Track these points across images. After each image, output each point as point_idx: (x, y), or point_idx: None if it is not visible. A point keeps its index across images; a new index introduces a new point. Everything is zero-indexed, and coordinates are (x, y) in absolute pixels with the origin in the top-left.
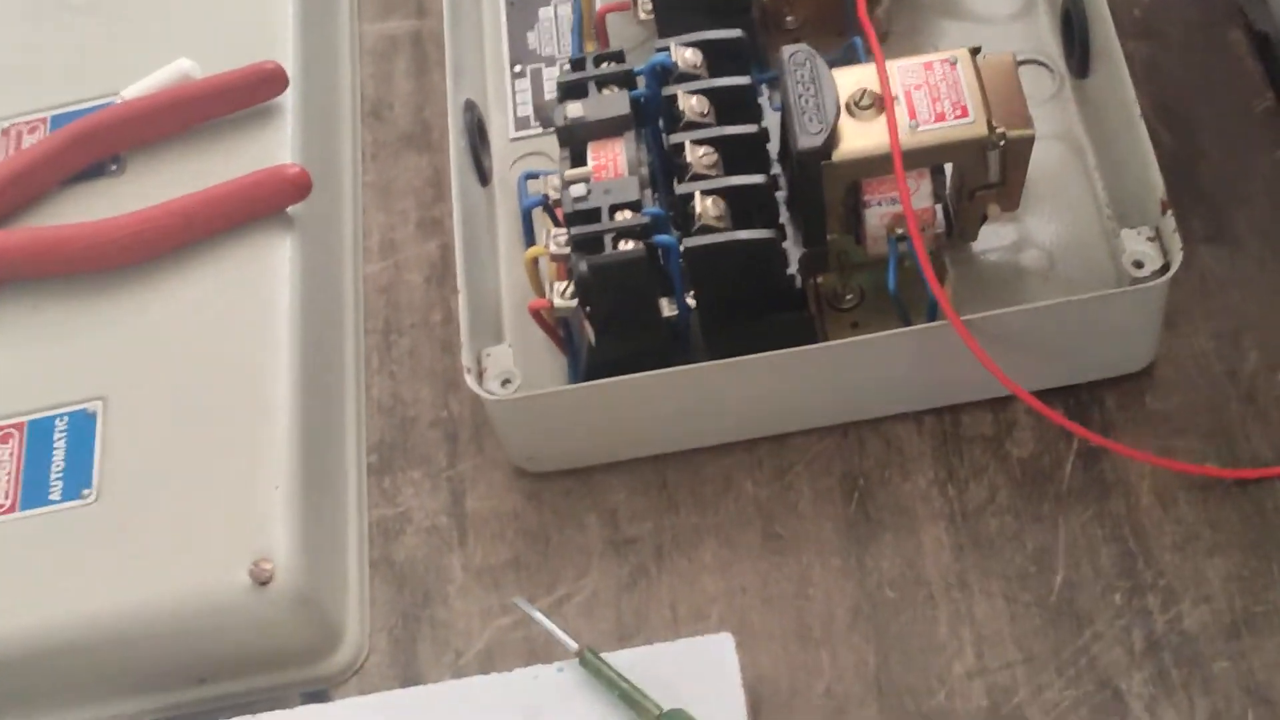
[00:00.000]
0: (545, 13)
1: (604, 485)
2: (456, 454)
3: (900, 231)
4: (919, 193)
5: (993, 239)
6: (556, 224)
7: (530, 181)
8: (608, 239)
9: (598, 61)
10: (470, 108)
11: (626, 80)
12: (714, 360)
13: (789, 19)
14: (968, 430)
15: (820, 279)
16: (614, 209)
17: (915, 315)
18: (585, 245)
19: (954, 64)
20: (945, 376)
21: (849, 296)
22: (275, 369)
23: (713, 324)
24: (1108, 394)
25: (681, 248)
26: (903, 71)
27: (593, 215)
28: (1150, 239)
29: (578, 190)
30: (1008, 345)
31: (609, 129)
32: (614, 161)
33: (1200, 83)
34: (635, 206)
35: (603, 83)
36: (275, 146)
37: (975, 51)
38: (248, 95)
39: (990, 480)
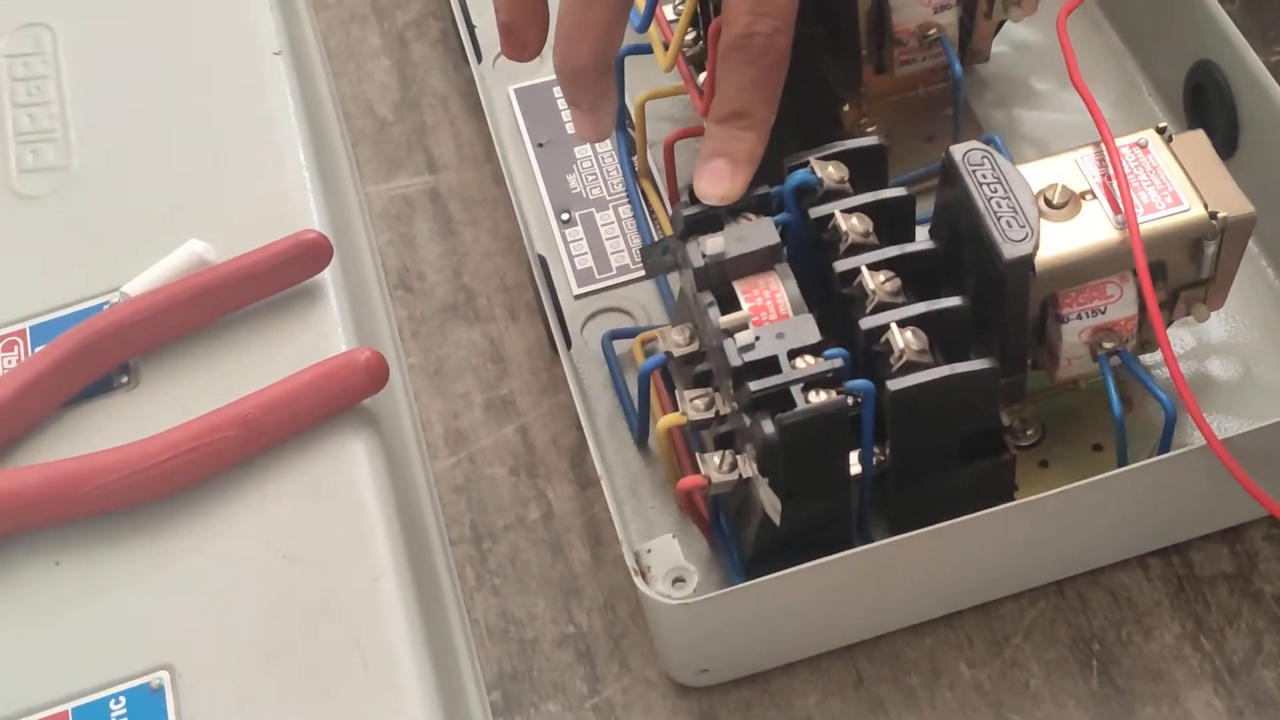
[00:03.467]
0: (582, 152)
1: (789, 691)
2: (597, 676)
3: (1110, 346)
4: (1123, 299)
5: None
6: (672, 389)
7: (615, 343)
8: (795, 391)
9: None
10: (543, 263)
11: (763, 205)
12: (903, 521)
13: (869, 129)
14: (1203, 569)
15: None
16: (792, 354)
17: (1105, 441)
18: (768, 402)
19: (1145, 146)
20: (1172, 511)
21: (1029, 431)
22: (380, 607)
23: (906, 478)
24: None
25: (887, 392)
26: (1083, 162)
27: (769, 366)
28: None
29: (744, 338)
30: (1259, 464)
31: (757, 263)
32: (772, 300)
33: None
34: (817, 350)
35: (734, 211)
36: (325, 332)
37: (1162, 131)
38: (285, 275)
39: (1250, 625)
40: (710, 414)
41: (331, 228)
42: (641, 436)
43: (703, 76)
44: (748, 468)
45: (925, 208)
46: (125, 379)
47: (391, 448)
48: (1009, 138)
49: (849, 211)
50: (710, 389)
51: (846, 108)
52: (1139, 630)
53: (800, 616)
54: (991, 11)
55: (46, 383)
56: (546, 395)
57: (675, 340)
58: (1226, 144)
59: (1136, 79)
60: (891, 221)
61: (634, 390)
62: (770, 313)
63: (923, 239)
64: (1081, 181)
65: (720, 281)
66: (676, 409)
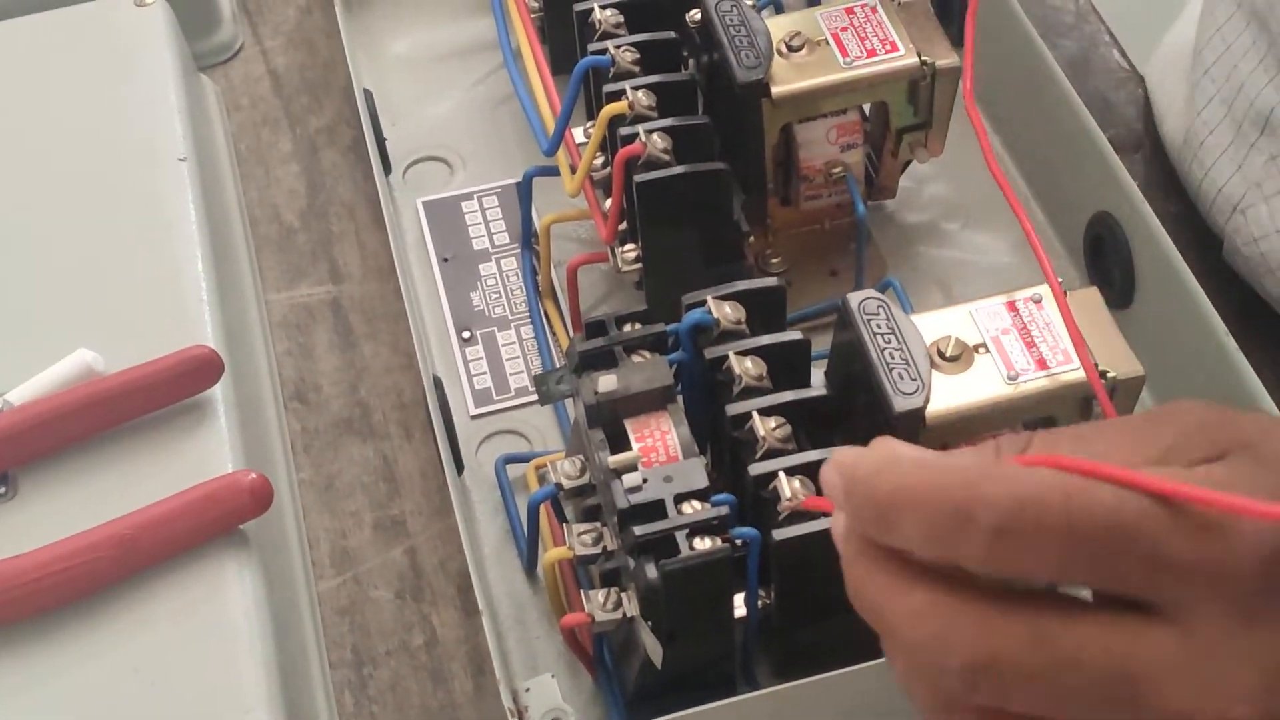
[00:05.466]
0: (487, 268)
1: None
2: None
3: None
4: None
5: None
6: (563, 519)
7: (509, 466)
8: (680, 538)
9: (619, 323)
10: (438, 385)
11: (659, 342)
12: (791, 665)
13: (774, 260)
14: None
15: None
16: (679, 499)
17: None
18: (652, 548)
19: (1039, 301)
20: None
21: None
22: None
23: (792, 622)
24: None
25: (773, 540)
26: (978, 315)
27: (655, 510)
28: None
29: (631, 480)
30: None
31: (649, 402)
32: (663, 441)
33: None
34: (704, 495)
35: (630, 347)
36: (211, 450)
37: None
38: (173, 390)
39: None
40: (597, 550)
41: (226, 340)
42: (530, 565)
43: (608, 202)
44: (632, 607)
45: (825, 342)
46: (3, 489)
47: (274, 569)
48: (912, 276)
49: (744, 354)
50: (599, 524)
51: (751, 239)
52: None
53: None
54: (898, 151)
55: None
56: (438, 517)
57: (566, 472)
58: (1122, 295)
59: (1041, 224)
60: (787, 365)
61: (525, 518)
62: (660, 453)
63: (818, 381)
64: (975, 334)
65: (612, 419)
66: (566, 541)
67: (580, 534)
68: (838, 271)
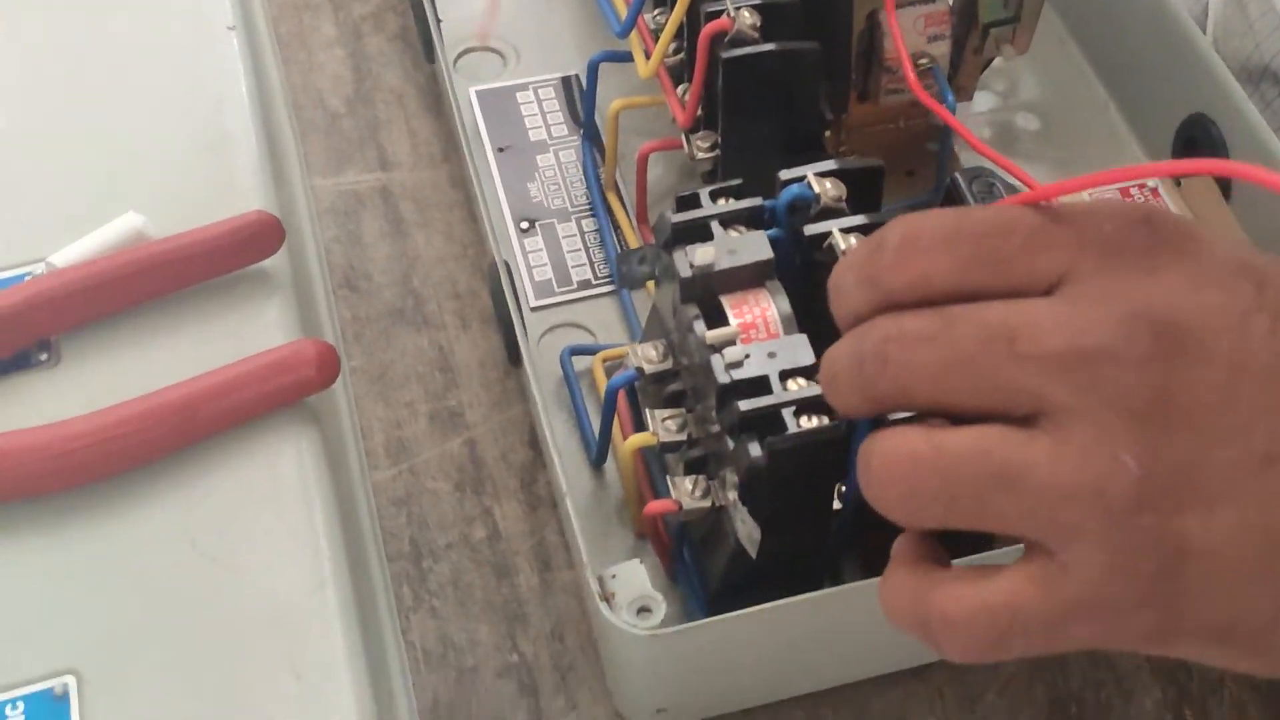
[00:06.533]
0: (545, 159)
1: None
2: (541, 711)
3: None
4: None
5: None
6: (640, 406)
7: (576, 358)
8: (788, 414)
9: (714, 197)
10: (508, 270)
11: (755, 218)
12: (878, 562)
13: (849, 158)
14: None
15: None
16: (784, 375)
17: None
18: (757, 424)
19: (1155, 190)
20: None
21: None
22: (317, 619)
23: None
24: None
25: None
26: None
27: (760, 385)
28: None
29: (733, 355)
30: None
31: (747, 278)
32: (763, 317)
33: None
34: (810, 372)
35: (725, 221)
36: (268, 324)
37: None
38: (229, 258)
39: (1234, 696)
40: (682, 436)
41: (280, 213)
42: (599, 459)
43: (683, 88)
44: (723, 495)
45: None
46: (45, 356)
47: (332, 450)
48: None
49: (847, 231)
50: (683, 410)
51: (827, 133)
52: (1119, 693)
53: (774, 658)
54: (983, 47)
55: None
56: (497, 410)
57: (648, 356)
58: None
59: (1120, 131)
60: None
61: (592, 409)
62: (760, 331)
63: None
64: None
65: (707, 294)
66: (637, 431)
67: (664, 420)
68: (914, 171)
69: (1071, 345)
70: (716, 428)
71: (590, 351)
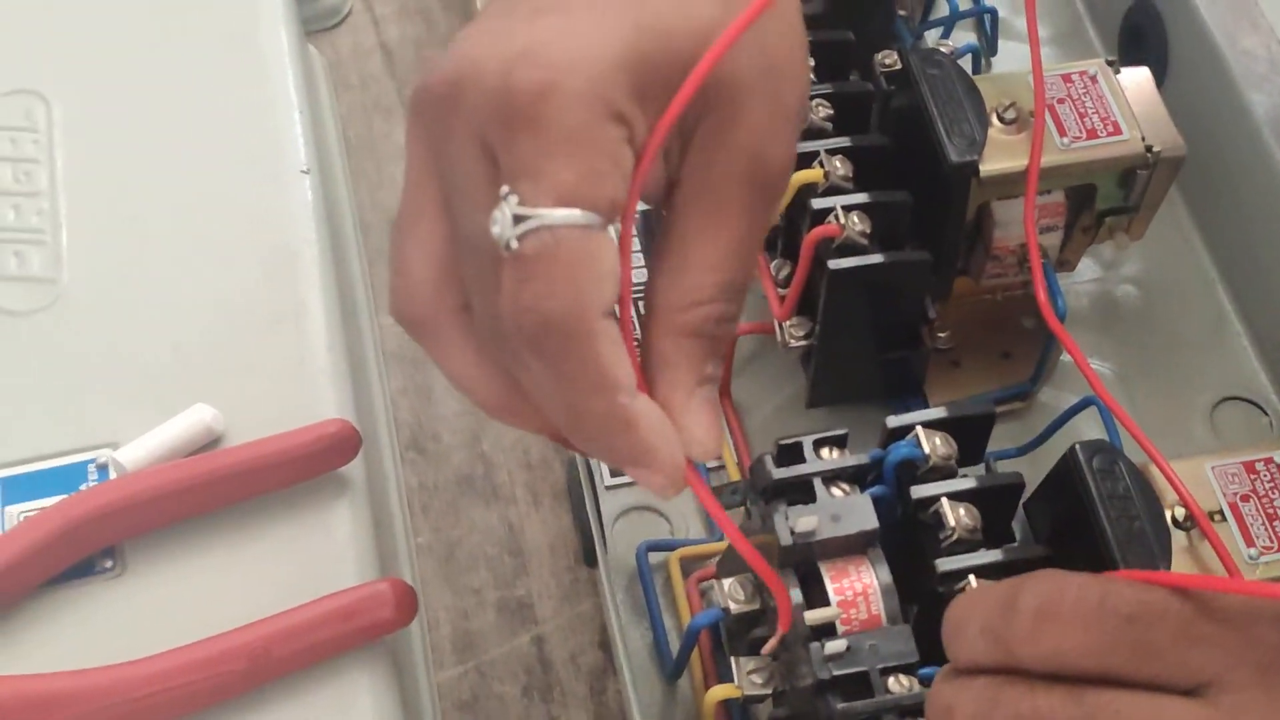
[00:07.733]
0: None
1: None
2: None
3: None
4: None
5: None
6: (723, 650)
7: (652, 554)
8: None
9: (816, 447)
10: (587, 467)
11: (858, 475)
12: None
13: (942, 335)
14: None
15: None
16: (885, 672)
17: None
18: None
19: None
20: None
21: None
22: None
23: None
24: None
25: None
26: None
27: (859, 683)
28: None
29: (834, 648)
30: None
31: (849, 546)
32: (865, 596)
33: None
34: (913, 669)
35: (827, 479)
36: (345, 535)
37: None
38: (306, 467)
39: None
40: (768, 690)
41: (355, 408)
42: (673, 676)
43: (776, 264)
44: None
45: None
46: (110, 564)
47: (405, 685)
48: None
49: (956, 499)
50: (769, 660)
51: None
52: None
53: None
54: (1095, 231)
55: (21, 567)
56: (568, 603)
57: (735, 595)
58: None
59: (1226, 310)
60: (997, 510)
61: (664, 606)
62: (860, 609)
63: (1023, 527)
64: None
65: (805, 560)
66: (714, 659)
67: (749, 672)
68: (1011, 354)
69: None
70: (808, 681)
71: (669, 548)
